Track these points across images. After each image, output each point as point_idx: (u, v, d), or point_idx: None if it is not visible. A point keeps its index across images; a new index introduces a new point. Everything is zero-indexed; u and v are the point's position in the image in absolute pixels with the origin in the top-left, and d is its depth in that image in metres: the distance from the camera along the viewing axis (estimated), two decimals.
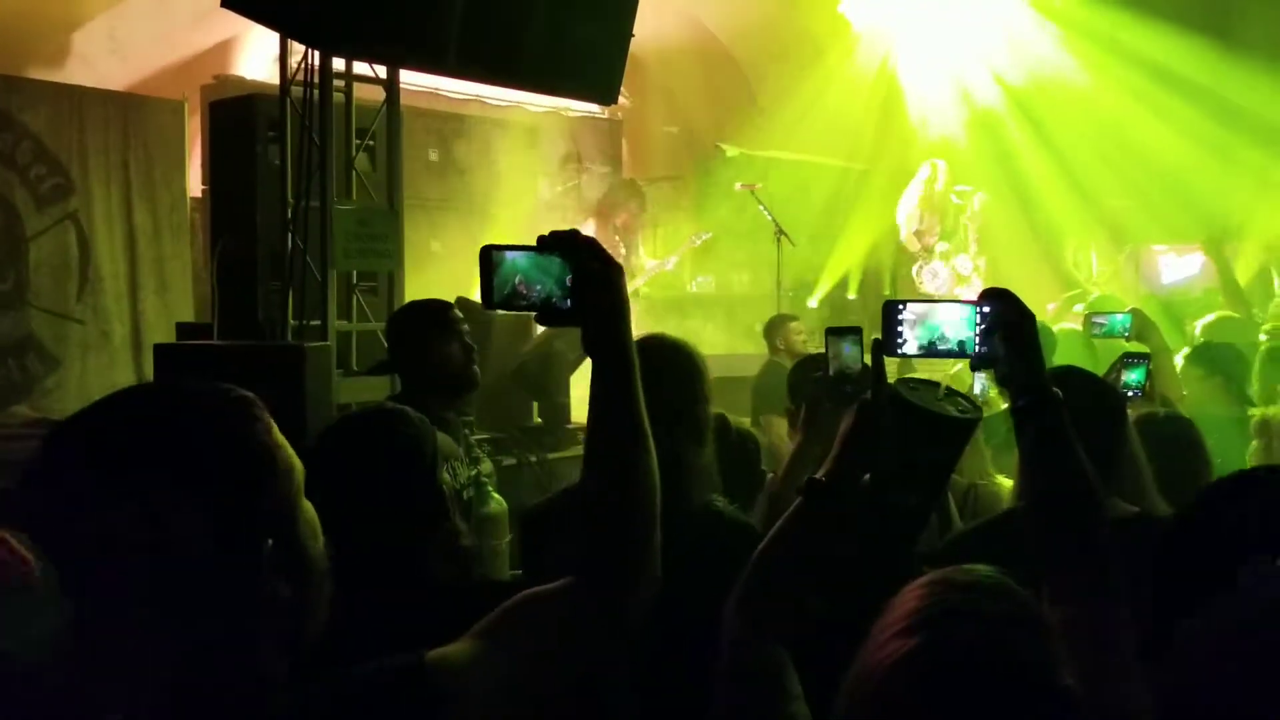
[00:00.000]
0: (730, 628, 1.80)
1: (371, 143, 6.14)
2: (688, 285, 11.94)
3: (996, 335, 1.95)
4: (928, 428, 2.03)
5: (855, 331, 2.82)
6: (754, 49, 12.77)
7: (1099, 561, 1.78)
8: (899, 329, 2.10)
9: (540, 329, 7.05)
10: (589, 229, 8.14)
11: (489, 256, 1.77)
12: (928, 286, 10.31)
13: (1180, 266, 12.83)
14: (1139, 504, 2.78)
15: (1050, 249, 12.12)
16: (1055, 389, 1.90)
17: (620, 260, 7.83)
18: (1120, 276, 12.40)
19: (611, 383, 1.67)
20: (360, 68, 5.93)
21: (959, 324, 2.05)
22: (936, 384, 2.17)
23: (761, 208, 9.30)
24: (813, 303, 11.94)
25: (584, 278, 1.67)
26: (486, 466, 4.79)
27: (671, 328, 6.95)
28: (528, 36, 5.37)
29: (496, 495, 4.67)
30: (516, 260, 1.76)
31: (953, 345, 2.05)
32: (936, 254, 10.37)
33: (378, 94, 6.09)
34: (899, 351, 2.10)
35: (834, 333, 2.82)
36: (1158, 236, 12.55)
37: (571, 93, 6.44)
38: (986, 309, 1.99)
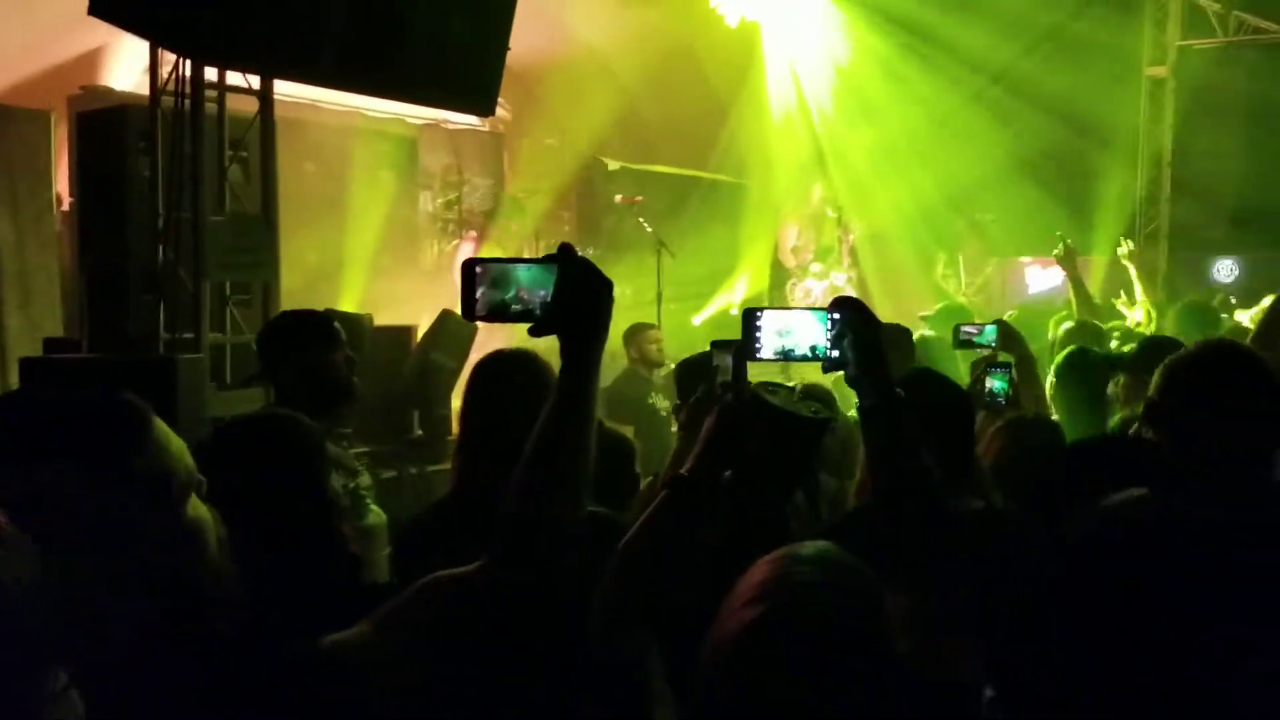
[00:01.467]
0: (597, 615, 1.87)
1: (245, 154, 6.07)
2: None
3: (846, 341, 2.07)
4: (783, 428, 2.14)
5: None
6: (634, 63, 12.89)
7: (937, 551, 1.90)
8: (757, 335, 2.25)
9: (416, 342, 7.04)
10: (469, 245, 8.10)
11: (472, 269, 1.85)
12: (801, 305, 10.53)
13: (1045, 278, 13.37)
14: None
15: (919, 262, 12.51)
16: (899, 390, 2.02)
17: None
18: (988, 288, 12.86)
19: (574, 386, 1.78)
20: (234, 78, 5.86)
21: (812, 331, 2.20)
22: (792, 387, 2.31)
23: (641, 220, 9.40)
24: (697, 320, 12.09)
25: (569, 289, 1.75)
26: (365, 479, 4.76)
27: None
28: (404, 48, 5.38)
29: (375, 507, 4.64)
30: (517, 271, 1.85)
31: (806, 351, 2.19)
32: (810, 272, 10.57)
33: (253, 104, 6.03)
34: (757, 356, 2.24)
35: (717, 345, 2.93)
36: (1023, 249, 13.07)
37: (449, 104, 6.46)
38: (837, 316, 2.12)
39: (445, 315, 6.79)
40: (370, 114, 10.56)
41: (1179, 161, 12.30)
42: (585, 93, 12.98)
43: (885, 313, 4.68)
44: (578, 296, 1.75)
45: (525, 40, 12.54)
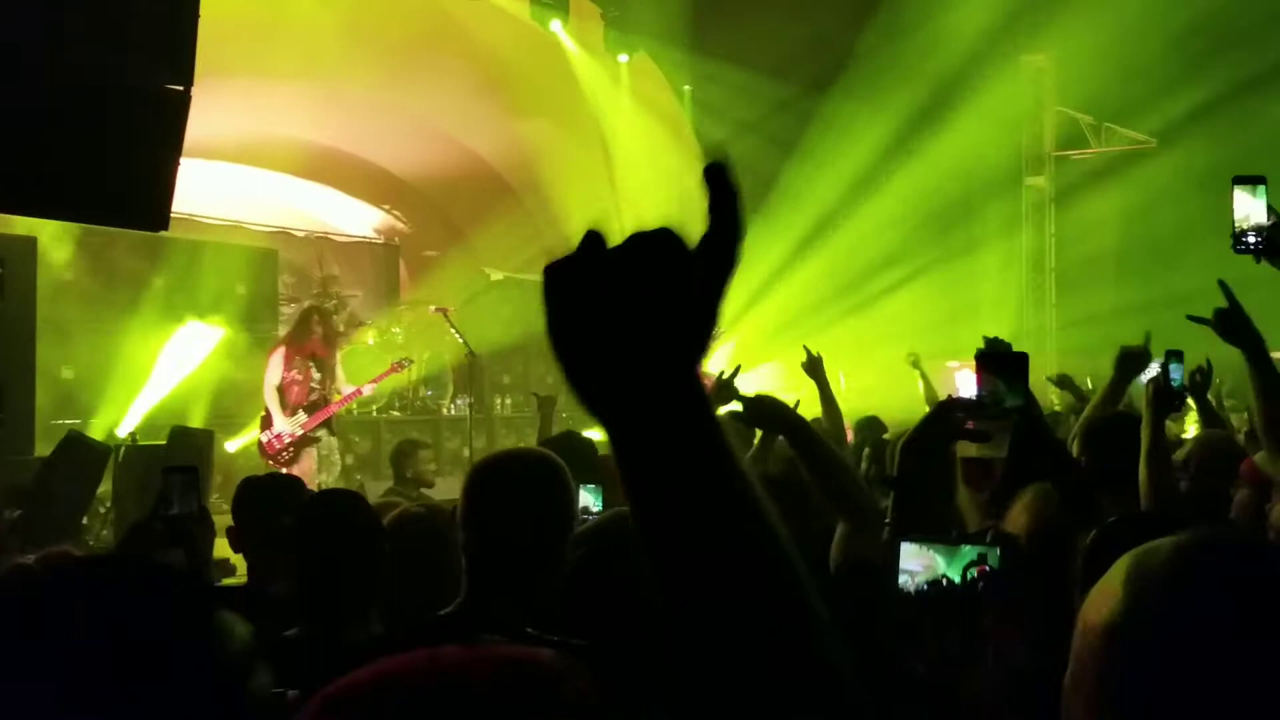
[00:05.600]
0: None
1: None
2: (446, 408, 12.03)
3: None
4: None
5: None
6: (526, 175, 12.98)
7: None
8: None
9: None
10: (278, 358, 8.03)
11: None
12: None
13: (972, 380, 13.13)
14: None
15: None
16: None
17: (314, 387, 7.66)
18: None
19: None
20: None
21: None
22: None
23: (452, 329, 9.34)
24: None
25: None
26: None
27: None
28: (53, 168, 5.38)
29: None
30: None
31: None
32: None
33: None
34: None
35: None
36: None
37: (114, 221, 6.46)
38: None
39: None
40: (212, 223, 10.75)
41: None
42: (479, 203, 13.09)
43: None
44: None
45: (416, 154, 12.77)
